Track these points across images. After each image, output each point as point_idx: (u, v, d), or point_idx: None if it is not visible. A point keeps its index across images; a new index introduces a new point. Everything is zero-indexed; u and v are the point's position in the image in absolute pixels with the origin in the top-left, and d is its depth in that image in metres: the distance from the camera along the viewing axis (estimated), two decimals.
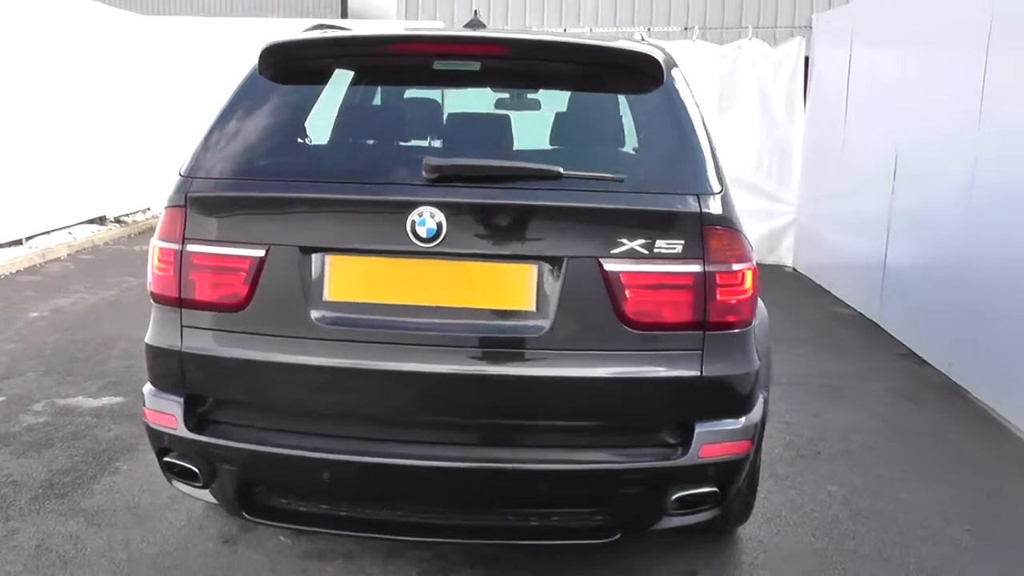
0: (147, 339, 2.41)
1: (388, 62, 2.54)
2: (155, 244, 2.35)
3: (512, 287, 2.21)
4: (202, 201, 2.28)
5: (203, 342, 2.31)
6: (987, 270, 4.47)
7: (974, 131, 4.63)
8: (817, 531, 3.09)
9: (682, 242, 2.16)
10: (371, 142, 2.56)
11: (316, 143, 2.52)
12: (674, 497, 2.24)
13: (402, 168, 2.31)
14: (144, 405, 2.42)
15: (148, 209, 10.19)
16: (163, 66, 10.00)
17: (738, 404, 2.29)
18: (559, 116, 2.58)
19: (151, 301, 2.45)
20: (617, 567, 2.79)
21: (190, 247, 2.27)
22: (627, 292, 2.16)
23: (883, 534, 3.09)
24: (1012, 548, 3.03)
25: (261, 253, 2.23)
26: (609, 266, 2.15)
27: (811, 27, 8.76)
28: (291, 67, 2.51)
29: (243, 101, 2.43)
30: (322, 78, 2.53)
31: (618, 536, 2.29)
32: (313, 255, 2.22)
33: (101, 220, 9.21)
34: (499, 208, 2.19)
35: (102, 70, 9.15)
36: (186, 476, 2.37)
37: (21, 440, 3.76)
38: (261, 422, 2.32)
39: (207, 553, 2.87)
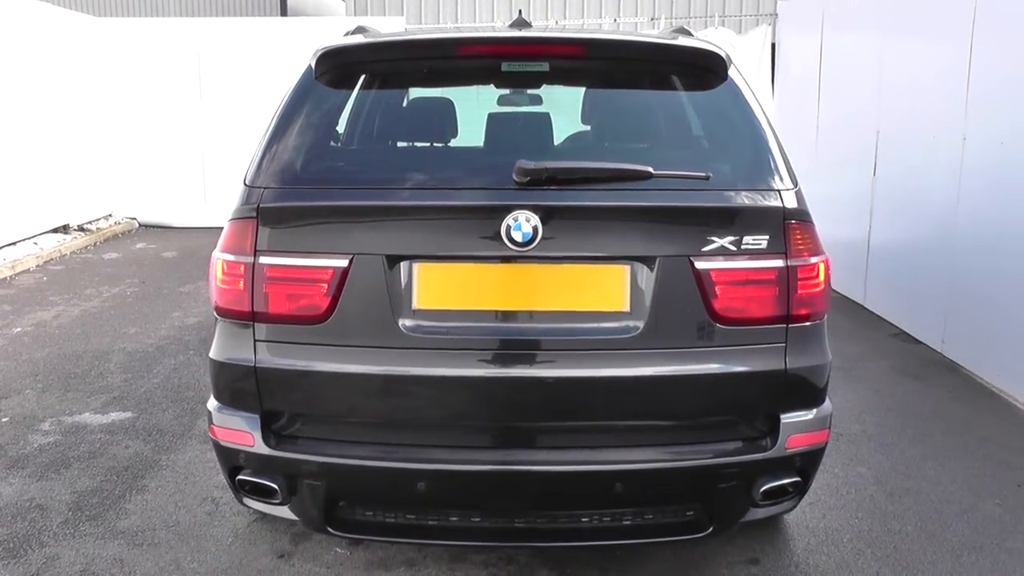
0: (212, 354, 2.34)
1: (454, 64, 2.49)
2: (219, 257, 2.28)
3: (606, 288, 2.21)
4: (276, 211, 2.22)
5: (280, 356, 2.25)
6: (974, 248, 4.62)
7: (961, 110, 4.78)
8: (859, 512, 3.18)
9: (767, 237, 2.20)
10: (449, 146, 2.52)
11: (391, 148, 2.47)
12: (763, 489, 2.28)
13: (490, 172, 2.28)
14: (211, 423, 2.35)
15: (110, 215, 9.87)
16: (117, 69, 9.68)
17: (816, 394, 2.33)
18: (625, 114, 2.56)
19: (215, 315, 2.38)
20: (678, 561, 2.82)
21: (263, 259, 2.21)
22: (717, 289, 2.18)
23: (920, 512, 3.18)
24: None
25: (344, 263, 2.18)
26: (700, 264, 2.18)
27: (777, 14, 8.91)
28: (350, 71, 2.46)
29: (302, 106, 2.37)
30: (384, 82, 2.48)
31: (711, 531, 2.32)
32: (401, 263, 2.19)
33: (64, 228, 8.90)
34: (593, 210, 2.19)
35: (56, 74, 8.81)
36: (262, 493, 2.32)
37: (36, 462, 3.63)
38: (347, 435, 2.28)
39: (264, 570, 2.81)
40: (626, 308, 2.20)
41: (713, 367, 2.24)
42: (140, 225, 10.01)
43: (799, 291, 2.23)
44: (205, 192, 9.89)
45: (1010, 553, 2.91)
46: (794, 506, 2.48)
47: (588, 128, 2.54)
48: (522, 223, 2.12)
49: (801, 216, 2.24)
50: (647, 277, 2.18)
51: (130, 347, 5.31)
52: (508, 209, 2.12)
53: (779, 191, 2.24)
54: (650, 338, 2.18)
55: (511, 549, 2.84)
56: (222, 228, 2.36)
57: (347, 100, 2.44)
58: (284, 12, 15.63)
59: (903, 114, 5.60)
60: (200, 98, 9.76)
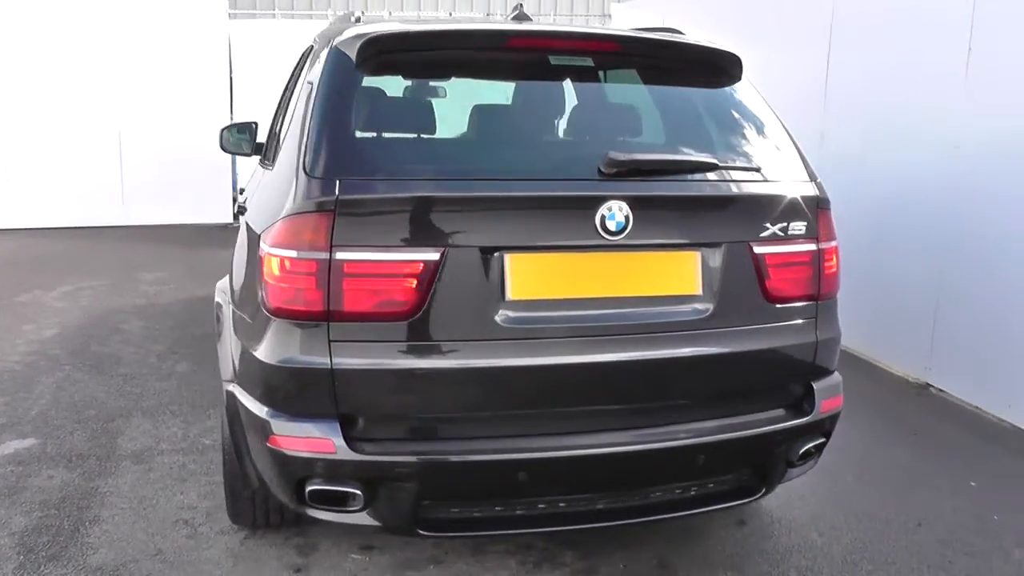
0: (269, 359, 2.19)
1: (502, 56, 2.49)
2: (277, 254, 2.13)
3: (681, 273, 2.34)
4: (360, 204, 2.11)
5: (362, 356, 2.15)
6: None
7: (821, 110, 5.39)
8: (822, 474, 3.46)
9: (805, 224, 2.44)
10: (521, 136, 2.49)
11: (464, 138, 2.42)
12: (802, 451, 2.52)
13: (575, 162, 2.32)
14: (272, 433, 2.20)
15: None
16: None
17: (834, 362, 2.62)
18: (662, 110, 2.68)
19: (269, 317, 2.22)
20: (682, 530, 3.02)
21: (342, 255, 2.09)
22: (769, 271, 2.39)
23: (853, 462, 3.61)
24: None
25: (436, 256, 2.12)
26: (758, 248, 2.37)
27: (609, 15, 9.42)
28: (397, 59, 2.40)
29: (349, 94, 2.29)
30: (434, 71, 2.43)
31: (762, 492, 2.53)
32: (494, 254, 2.17)
33: None
34: (673, 199, 2.31)
35: None
36: (337, 502, 2.21)
37: None
38: (437, 431, 2.23)
39: None
40: (699, 291, 2.34)
41: (767, 342, 2.44)
42: None
43: (825, 271, 2.50)
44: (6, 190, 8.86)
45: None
46: (814, 465, 2.75)
47: (628, 122, 2.63)
48: (615, 213, 2.19)
49: (827, 204, 2.51)
50: (715, 262, 2.34)
51: (2, 363, 4.71)
52: (602, 199, 2.19)
53: (812, 182, 2.49)
54: (718, 319, 2.35)
55: (528, 537, 2.90)
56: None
57: (399, 89, 2.37)
58: None
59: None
60: None
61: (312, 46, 3.22)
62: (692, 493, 2.47)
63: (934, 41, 4.64)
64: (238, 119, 4.80)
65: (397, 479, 2.18)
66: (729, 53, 2.59)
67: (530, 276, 2.22)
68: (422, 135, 2.39)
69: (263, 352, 2.22)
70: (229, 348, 2.54)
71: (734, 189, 2.39)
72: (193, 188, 9.41)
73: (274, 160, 2.86)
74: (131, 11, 9.00)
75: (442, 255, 2.13)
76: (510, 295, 2.20)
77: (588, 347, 2.25)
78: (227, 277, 3.03)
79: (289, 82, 3.89)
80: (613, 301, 2.29)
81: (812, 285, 2.48)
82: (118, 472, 3.45)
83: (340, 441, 2.13)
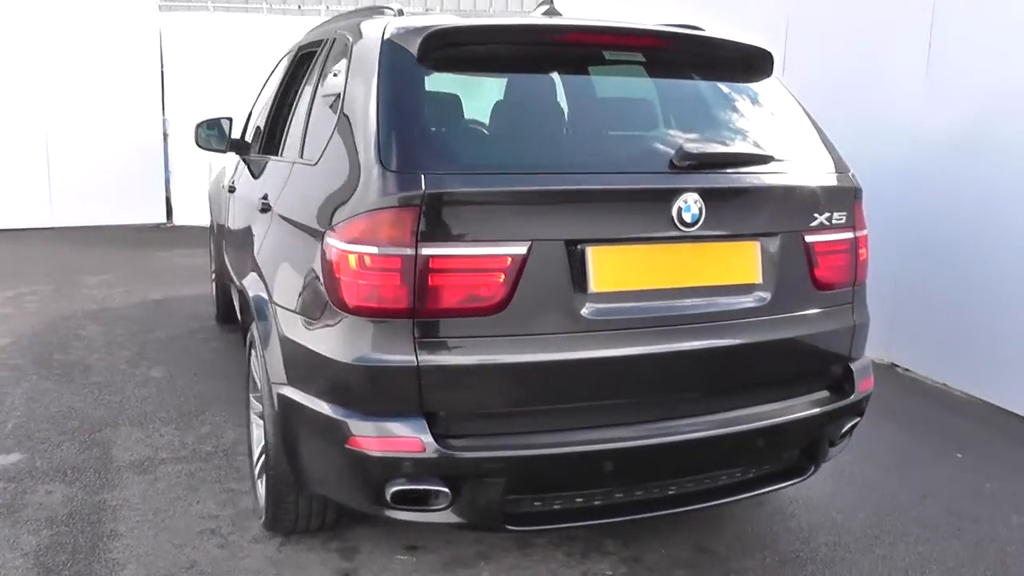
0: (346, 358, 2.13)
1: (559, 51, 2.50)
2: (359, 251, 2.08)
3: (745, 263, 2.39)
4: (447, 198, 2.07)
5: (449, 352, 2.12)
6: None
7: None
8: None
9: (845, 213, 2.54)
10: (590, 130, 2.48)
11: (538, 132, 2.40)
12: (843, 430, 2.62)
13: (648, 156, 2.34)
14: (352, 434, 2.14)
15: None
16: None
17: (865, 345, 2.73)
18: (701, 102, 2.71)
19: (343, 315, 2.16)
20: (705, 513, 3.08)
21: (427, 250, 2.05)
22: (818, 259, 2.48)
23: None
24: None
25: (523, 250, 2.11)
26: (809, 237, 2.46)
27: (551, 4, 9.46)
28: (458, 54, 2.37)
29: (414, 89, 2.25)
30: (498, 66, 2.42)
31: (811, 472, 2.61)
32: (577, 247, 2.17)
33: None
34: (739, 191, 2.37)
35: None
36: (422, 501, 2.17)
37: None
38: (524, 425, 2.22)
39: None
40: (759, 280, 2.41)
41: (816, 327, 2.53)
42: None
43: (859, 258, 2.60)
44: None
45: None
46: (847, 444, 2.86)
47: (682, 115, 2.66)
48: (691, 205, 2.23)
49: (861, 195, 2.61)
50: (772, 251, 2.41)
51: None
52: (679, 192, 2.23)
53: (848, 174, 2.58)
54: (776, 306, 2.42)
55: (572, 528, 2.91)
56: None
57: (465, 83, 2.35)
58: None
59: None
60: None
61: (323, 40, 3.15)
62: (751, 475, 2.54)
63: (895, 40, 4.86)
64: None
65: (486, 475, 2.15)
66: (764, 50, 2.67)
67: (611, 268, 2.23)
68: (494, 129, 2.37)
69: (337, 352, 2.16)
70: (277, 350, 2.46)
71: (788, 181, 2.47)
72: (124, 188, 9.03)
73: (303, 153, 2.78)
74: (56, 6, 8.54)
75: (529, 249, 2.12)
76: (593, 287, 2.20)
77: (666, 336, 2.29)
78: (251, 276, 2.93)
79: (286, 75, 3.76)
80: (687, 291, 2.33)
81: (850, 272, 2.59)
82: (122, 484, 3.29)
83: (429, 439, 2.09)
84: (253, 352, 2.98)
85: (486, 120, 2.37)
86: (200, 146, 4.63)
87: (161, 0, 8.94)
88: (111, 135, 8.83)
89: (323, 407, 2.22)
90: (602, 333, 2.22)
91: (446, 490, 2.14)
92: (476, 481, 2.16)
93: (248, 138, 4.55)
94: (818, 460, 2.65)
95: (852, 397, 2.60)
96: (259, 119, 4.19)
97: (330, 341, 2.19)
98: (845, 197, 2.55)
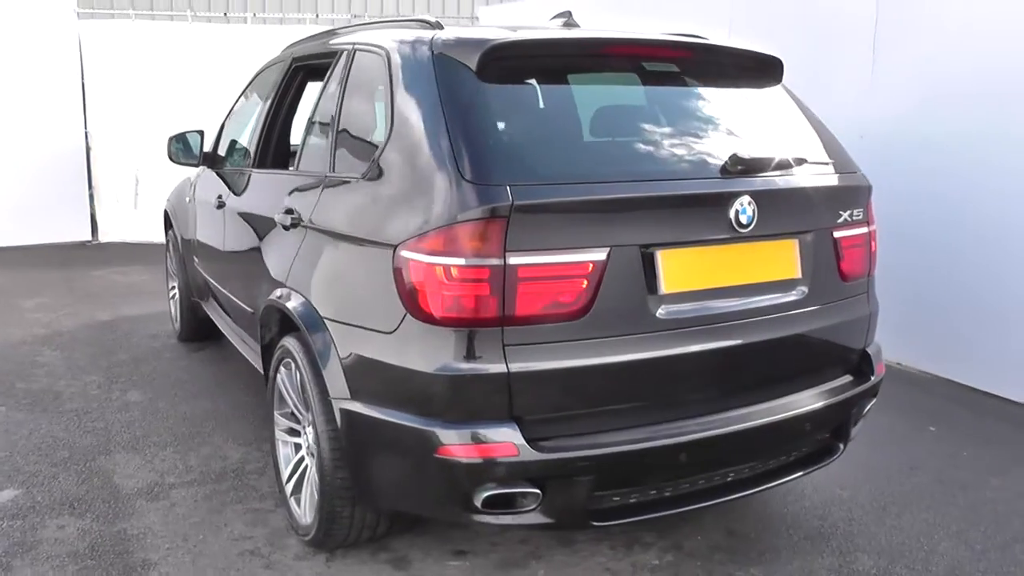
0: (433, 369, 2.16)
1: (606, 62, 2.58)
2: (445, 263, 2.11)
3: (787, 260, 2.55)
4: (531, 208, 2.12)
5: (536, 358, 2.17)
6: None
7: None
8: None
9: (862, 210, 2.74)
10: (649, 138, 2.53)
11: (602, 141, 2.46)
12: (864, 410, 2.81)
13: (703, 162, 2.44)
14: (442, 443, 2.17)
15: None
16: None
17: (875, 331, 2.92)
18: (725, 110, 2.81)
19: (425, 326, 2.19)
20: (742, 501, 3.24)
21: (515, 259, 2.11)
22: (843, 253, 2.66)
23: None
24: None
25: (603, 256, 2.19)
26: (836, 233, 2.64)
27: (477, 17, 9.56)
28: (516, 66, 2.44)
29: (480, 101, 2.30)
30: (555, 78, 2.49)
31: (841, 452, 2.79)
32: (647, 251, 2.27)
33: None
34: (783, 192, 2.52)
35: None
36: (512, 504, 2.22)
37: None
38: (607, 424, 2.29)
39: None
40: (799, 275, 2.57)
41: (843, 316, 2.72)
42: None
43: (872, 249, 2.80)
44: None
45: None
46: (862, 424, 3.05)
47: (719, 122, 2.77)
48: (746, 207, 2.37)
49: (871, 192, 2.79)
50: (808, 247, 2.58)
51: None
52: (736, 195, 2.35)
53: (859, 173, 2.77)
54: (813, 298, 2.59)
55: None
56: None
57: (526, 94, 2.40)
58: None
59: None
60: None
61: (333, 53, 3.13)
62: (793, 458, 2.70)
63: (841, 40, 5.17)
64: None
65: (575, 474, 2.22)
66: (776, 58, 2.83)
67: (678, 270, 2.34)
68: (561, 139, 2.43)
69: (422, 363, 2.18)
70: (337, 366, 2.45)
71: (820, 182, 2.64)
72: (45, 205, 8.58)
73: (334, 167, 2.78)
74: None
75: (608, 254, 2.20)
76: (663, 289, 2.31)
77: (727, 332, 2.42)
78: (283, 291, 2.88)
79: (278, 88, 3.68)
80: (742, 288, 2.47)
81: (866, 263, 2.80)
82: (137, 512, 3.19)
83: (522, 443, 2.14)
84: (283, 369, 2.94)
85: (552, 131, 2.43)
86: (172, 160, 4.52)
87: (80, 7, 8.52)
88: (29, 149, 8.38)
89: (406, 419, 2.24)
90: (674, 332, 2.33)
91: (536, 491, 2.19)
92: (565, 480, 2.22)
93: (222, 152, 4.46)
94: (846, 440, 2.83)
95: (872, 380, 2.79)
96: (246, 132, 4.11)
97: (412, 353, 2.21)
98: (861, 195, 2.75)
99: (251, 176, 3.69)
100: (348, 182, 2.67)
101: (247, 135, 4.02)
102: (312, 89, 3.72)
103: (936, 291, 4.76)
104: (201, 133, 4.48)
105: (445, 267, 2.12)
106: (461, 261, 2.11)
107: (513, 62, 2.43)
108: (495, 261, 2.11)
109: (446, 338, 2.16)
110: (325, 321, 2.53)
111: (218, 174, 4.34)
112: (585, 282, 2.19)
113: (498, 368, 2.15)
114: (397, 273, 2.23)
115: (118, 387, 4.58)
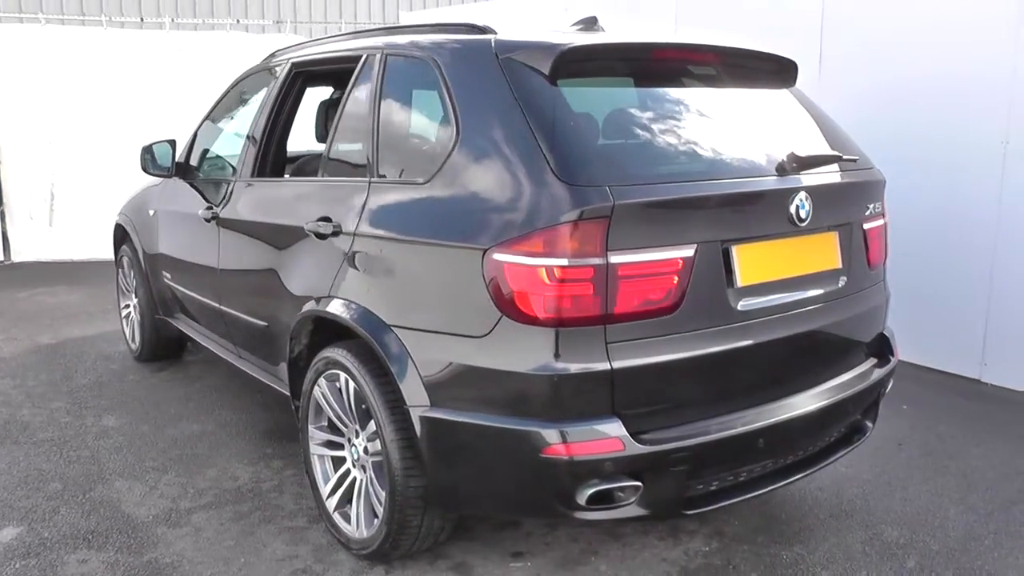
0: (538, 370, 2.18)
1: (665, 66, 2.66)
2: (546, 264, 2.13)
3: (830, 250, 2.71)
4: (630, 208, 2.17)
5: (635, 354, 2.22)
6: None
7: None
8: None
9: (880, 202, 2.93)
10: (718, 138, 2.59)
11: (679, 142, 2.50)
12: (886, 390, 2.99)
13: (763, 160, 2.54)
14: (548, 443, 2.18)
15: None
16: None
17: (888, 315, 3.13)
18: (765, 110, 2.89)
19: (521, 327, 2.21)
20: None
21: (616, 258, 2.15)
22: (870, 243, 2.84)
23: None
24: None
25: (691, 252, 2.26)
26: (866, 225, 2.82)
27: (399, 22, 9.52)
28: (589, 69, 2.50)
29: (559, 104, 2.33)
30: (626, 79, 2.55)
31: (871, 430, 2.98)
32: (726, 246, 2.36)
33: None
34: (832, 188, 2.66)
35: None
36: (613, 500, 2.25)
37: None
38: (697, 414, 2.36)
39: None
40: (840, 265, 2.73)
41: (872, 302, 2.91)
42: None
43: (886, 239, 3.00)
44: None
45: None
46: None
47: (761, 122, 2.87)
48: (804, 202, 2.50)
49: (885, 186, 2.98)
50: (845, 239, 2.74)
51: None
52: (795, 191, 2.49)
53: (876, 168, 2.95)
54: (851, 286, 2.77)
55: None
56: None
57: (599, 97, 2.45)
58: None
59: None
60: None
61: (354, 58, 3.08)
62: (835, 438, 2.85)
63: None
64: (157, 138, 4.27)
65: (673, 464, 2.28)
66: (792, 60, 2.98)
67: (751, 264, 2.45)
68: (641, 140, 2.48)
69: (523, 364, 2.20)
70: (415, 374, 2.43)
71: (853, 177, 2.80)
72: None
73: (377, 171, 2.75)
74: None
75: (695, 251, 2.28)
76: (739, 282, 2.41)
77: (793, 320, 2.55)
78: (331, 303, 2.81)
79: (279, 96, 3.57)
80: (799, 279, 2.60)
81: (884, 252, 3.00)
82: (162, 540, 3.05)
83: (627, 438, 2.19)
84: (324, 381, 2.88)
85: (635, 133, 2.49)
86: (146, 171, 4.33)
87: None
88: None
89: (503, 422, 2.24)
90: (752, 323, 2.44)
91: (639, 484, 2.24)
92: (664, 472, 2.28)
93: (197, 161, 4.29)
94: (875, 418, 3.02)
95: (893, 363, 2.99)
96: (233, 141, 3.97)
97: (510, 355, 2.22)
98: (880, 188, 2.94)
99: (253, 186, 3.58)
100: (404, 187, 2.64)
101: (237, 144, 3.88)
102: (312, 95, 3.65)
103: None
104: (172, 143, 4.31)
105: (548, 268, 2.14)
106: (564, 261, 2.14)
107: (583, 66, 2.47)
108: (598, 260, 2.15)
109: (549, 338, 2.18)
110: (393, 329, 2.50)
111: (195, 185, 4.18)
112: (676, 278, 2.26)
113: (602, 365, 2.19)
114: (489, 276, 2.24)
115: (90, 413, 4.34)
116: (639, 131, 2.47)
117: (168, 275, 4.51)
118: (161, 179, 4.51)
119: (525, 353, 2.21)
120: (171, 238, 4.43)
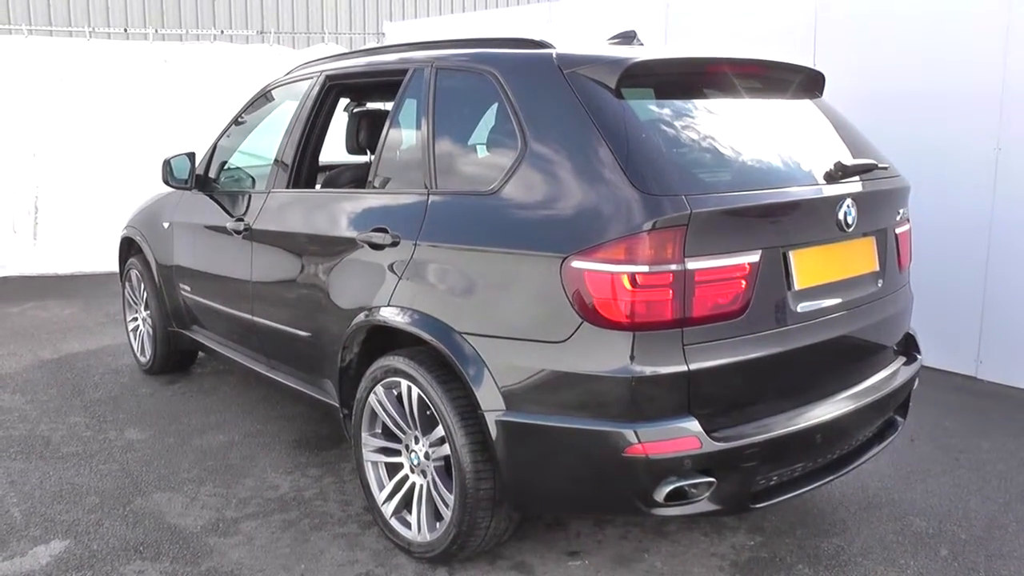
0: (620, 372, 2.28)
1: (719, 79, 2.77)
2: (627, 271, 2.24)
3: (869, 254, 2.85)
4: (705, 216, 2.28)
5: (708, 356, 2.33)
6: None
7: None
8: None
9: (905, 208, 3.09)
10: (772, 147, 2.72)
11: (738, 151, 2.61)
12: (915, 386, 3.14)
13: (812, 168, 2.67)
14: (631, 443, 2.28)
15: None
16: None
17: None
18: (805, 120, 3.01)
19: (603, 332, 2.31)
20: None
21: (693, 264, 2.27)
22: (899, 247, 3.00)
23: None
24: None
25: (757, 258, 2.39)
26: (897, 229, 2.98)
27: (384, 34, 9.57)
28: (649, 83, 2.62)
29: (629, 118, 2.45)
30: (682, 92, 2.68)
31: (903, 423, 3.12)
32: (784, 251, 2.49)
33: None
34: (873, 194, 2.81)
35: None
36: (688, 496, 2.34)
37: None
38: (763, 412, 2.48)
39: None
40: (877, 268, 2.88)
41: (903, 303, 3.06)
42: None
43: (911, 243, 3.17)
44: None
45: None
46: None
47: (803, 132, 2.99)
48: (851, 209, 2.65)
49: (910, 192, 3.15)
50: (881, 243, 2.89)
51: None
52: (843, 198, 2.63)
53: (901, 176, 3.11)
54: (887, 287, 2.92)
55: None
56: None
57: (666, 109, 2.56)
58: None
59: None
60: None
61: (398, 71, 3.16)
62: (873, 433, 2.99)
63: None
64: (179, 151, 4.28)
65: (744, 460, 2.39)
66: (820, 72, 3.13)
67: (807, 268, 2.58)
68: (711, 150, 2.58)
69: (605, 367, 2.30)
70: (489, 380, 2.51)
71: (887, 184, 2.95)
72: None
73: (435, 183, 2.82)
74: None
75: (760, 256, 2.41)
76: (797, 285, 2.54)
77: (843, 321, 2.70)
78: (387, 311, 2.87)
79: (314, 108, 3.61)
80: (846, 282, 2.74)
81: (910, 255, 3.16)
82: (216, 550, 3.07)
83: (704, 436, 2.30)
84: (381, 388, 2.94)
85: (703, 143, 2.59)
86: (168, 183, 4.35)
87: None
88: None
89: (584, 423, 2.34)
90: (810, 324, 2.57)
91: (712, 480, 2.35)
92: (735, 467, 2.39)
93: (222, 174, 4.31)
94: (906, 413, 3.17)
95: (920, 360, 3.15)
96: (263, 153, 4.00)
97: (592, 359, 2.31)
98: (906, 195, 3.11)
99: (289, 198, 3.61)
100: (468, 196, 2.72)
101: (263, 157, 3.92)
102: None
103: None
104: (191, 155, 4.32)
105: (630, 275, 2.25)
106: (645, 268, 2.25)
107: (645, 79, 2.59)
108: (676, 267, 2.26)
109: (629, 342, 2.28)
110: (465, 336, 2.57)
111: (216, 198, 4.19)
112: (745, 282, 2.39)
113: (680, 367, 2.31)
114: (569, 283, 2.33)
115: (111, 427, 4.32)
116: (702, 141, 2.58)
117: (187, 287, 4.51)
118: (173, 191, 4.53)
119: (606, 357, 2.31)
120: (191, 250, 4.43)
